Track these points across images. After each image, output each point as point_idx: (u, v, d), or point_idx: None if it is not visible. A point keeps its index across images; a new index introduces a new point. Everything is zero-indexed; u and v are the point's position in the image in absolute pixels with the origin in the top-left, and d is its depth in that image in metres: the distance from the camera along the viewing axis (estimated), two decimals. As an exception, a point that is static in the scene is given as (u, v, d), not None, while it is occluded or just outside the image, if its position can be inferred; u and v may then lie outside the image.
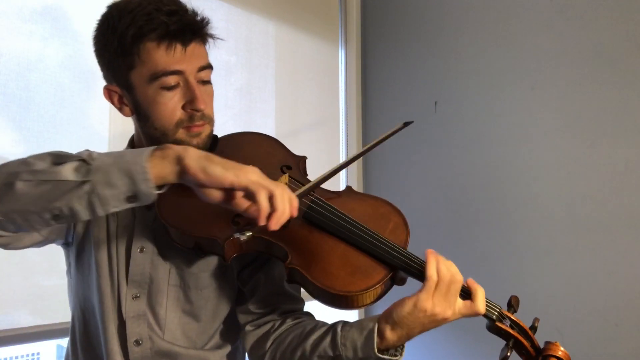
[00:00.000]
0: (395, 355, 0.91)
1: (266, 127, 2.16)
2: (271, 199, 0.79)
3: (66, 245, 1.12)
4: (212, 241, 0.93)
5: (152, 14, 0.92)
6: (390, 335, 0.88)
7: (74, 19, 1.63)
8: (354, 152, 2.50)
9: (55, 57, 1.58)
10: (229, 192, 0.80)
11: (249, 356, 1.07)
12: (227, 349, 1.09)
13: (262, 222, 0.79)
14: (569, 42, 1.85)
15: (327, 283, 0.86)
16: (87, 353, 1.07)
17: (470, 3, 2.15)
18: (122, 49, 0.94)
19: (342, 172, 2.41)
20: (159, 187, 0.80)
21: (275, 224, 0.79)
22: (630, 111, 1.70)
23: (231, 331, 1.10)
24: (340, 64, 2.54)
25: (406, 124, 1.08)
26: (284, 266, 0.91)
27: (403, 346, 0.92)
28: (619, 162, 1.71)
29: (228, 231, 0.92)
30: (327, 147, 2.44)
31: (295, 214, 0.82)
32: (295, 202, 0.82)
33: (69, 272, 1.13)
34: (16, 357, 1.73)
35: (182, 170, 0.79)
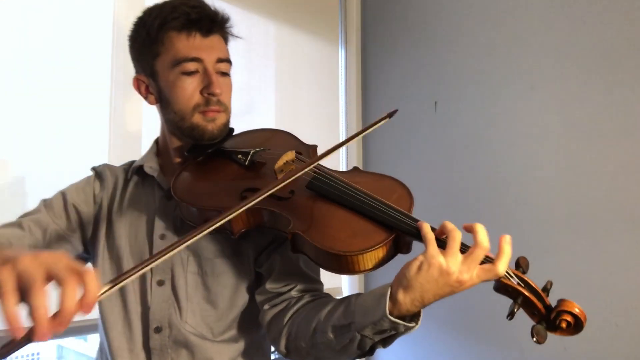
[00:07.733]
0: (411, 323, 0.86)
1: (266, 127, 2.16)
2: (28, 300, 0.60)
3: (86, 252, 1.16)
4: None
5: (177, 7, 1.06)
6: (402, 297, 0.83)
7: (75, 19, 1.63)
8: (354, 152, 2.51)
9: (55, 57, 1.58)
10: None
11: (267, 334, 1.08)
12: (243, 344, 1.11)
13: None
14: (569, 42, 1.85)
15: (326, 244, 0.88)
16: (114, 342, 1.08)
17: (470, 3, 2.15)
18: (149, 38, 1.06)
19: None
20: None
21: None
22: (630, 111, 1.70)
23: (249, 323, 1.12)
24: (340, 64, 2.54)
25: (390, 115, 1.11)
26: (287, 234, 0.92)
27: (419, 315, 0.87)
28: (619, 162, 1.71)
29: (236, 205, 0.95)
30: (327, 146, 2.41)
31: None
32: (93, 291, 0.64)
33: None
34: (16, 357, 1.74)
35: None
